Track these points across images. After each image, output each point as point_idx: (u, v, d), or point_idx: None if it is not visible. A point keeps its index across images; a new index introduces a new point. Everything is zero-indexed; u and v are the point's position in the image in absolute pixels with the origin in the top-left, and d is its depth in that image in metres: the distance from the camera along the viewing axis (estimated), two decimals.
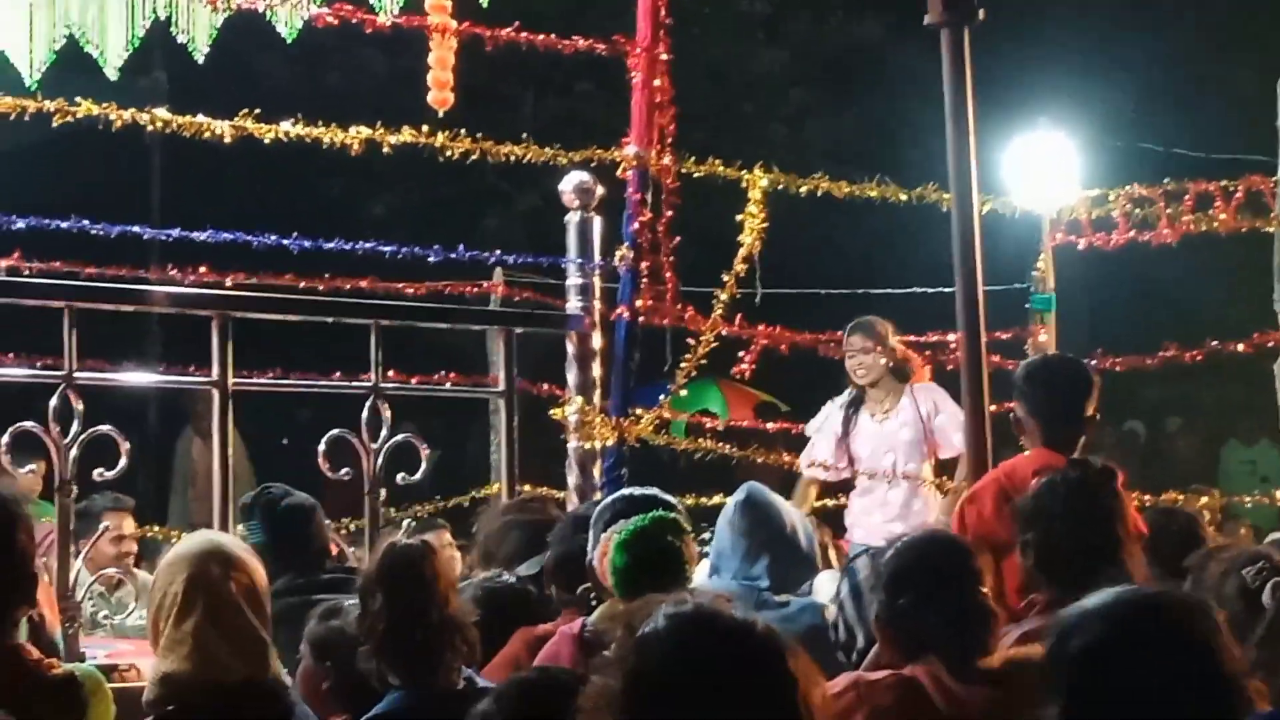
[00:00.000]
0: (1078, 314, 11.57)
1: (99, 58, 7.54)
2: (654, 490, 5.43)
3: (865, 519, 9.20)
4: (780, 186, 8.64)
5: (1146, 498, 8.71)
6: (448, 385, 8.99)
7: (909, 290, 10.46)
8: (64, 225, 7.21)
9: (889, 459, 9.10)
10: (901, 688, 4.18)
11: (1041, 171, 10.32)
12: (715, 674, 2.84)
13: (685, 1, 8.78)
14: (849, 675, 4.31)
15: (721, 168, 8.57)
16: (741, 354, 9.20)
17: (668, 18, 8.27)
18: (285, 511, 6.53)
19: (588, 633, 5.04)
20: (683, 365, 8.57)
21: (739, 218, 8.49)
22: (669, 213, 8.25)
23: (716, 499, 8.13)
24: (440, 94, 7.97)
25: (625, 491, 5.53)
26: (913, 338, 9.79)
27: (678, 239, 8.28)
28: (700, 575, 5.59)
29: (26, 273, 8.04)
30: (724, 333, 8.66)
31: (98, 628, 7.54)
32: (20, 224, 7.18)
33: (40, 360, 7.99)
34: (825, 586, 6.55)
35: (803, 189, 8.80)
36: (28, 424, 6.51)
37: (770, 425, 10.07)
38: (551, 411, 8.31)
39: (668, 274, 8.32)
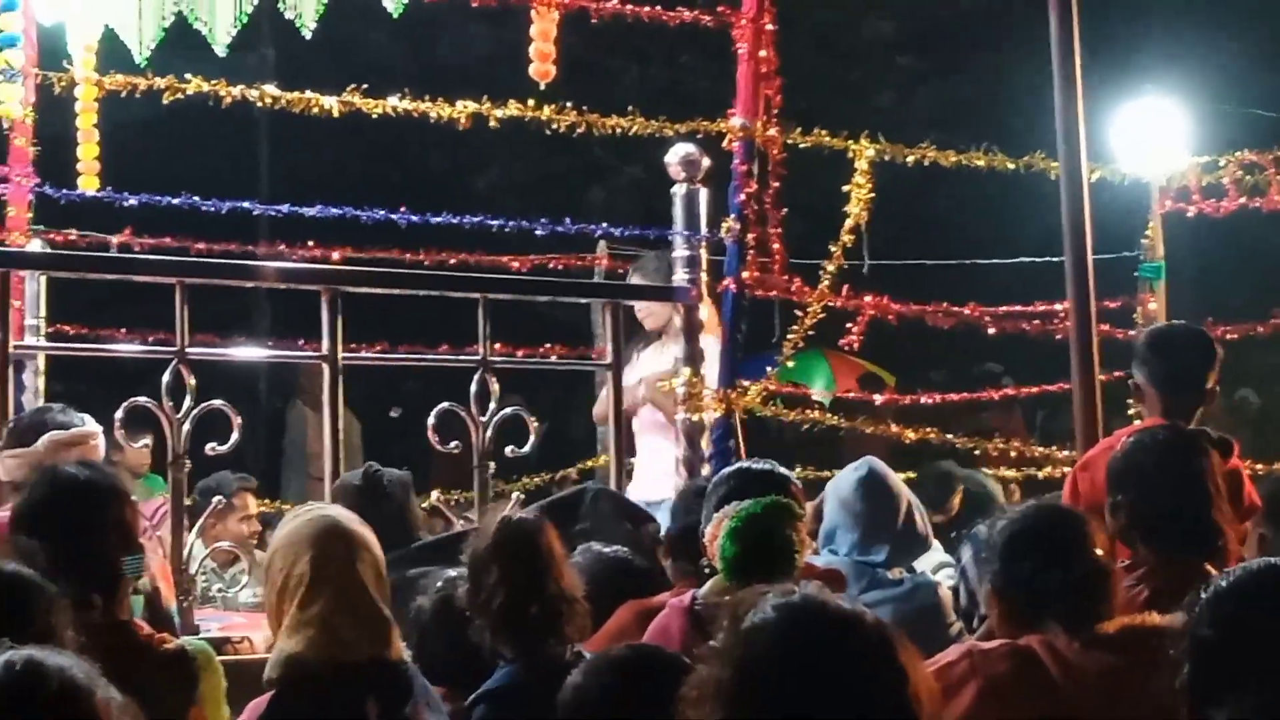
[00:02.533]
0: (1187, 281, 11.44)
1: (208, 35, 7.60)
2: (771, 464, 5.36)
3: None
4: (887, 156, 8.59)
5: (1259, 466, 8.64)
6: (554, 358, 9.01)
7: (1017, 260, 10.40)
8: (175, 202, 7.25)
9: (642, 390, 8.39)
10: (1016, 657, 4.15)
11: (1150, 138, 10.22)
12: (823, 666, 2.79)
13: None
14: (962, 645, 4.28)
15: (828, 138, 8.53)
16: (849, 325, 9.18)
17: None
18: (385, 490, 6.54)
19: (698, 606, 4.99)
20: (790, 336, 8.54)
21: (846, 188, 8.45)
22: (775, 184, 8.22)
23: (825, 472, 8.11)
24: (542, 66, 7.97)
25: (743, 464, 5.43)
26: (1020, 307, 9.73)
27: (784, 210, 8.25)
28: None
29: (138, 249, 8.13)
30: (831, 304, 8.63)
31: (209, 602, 7.61)
32: (132, 201, 7.22)
33: (152, 336, 8.09)
34: (929, 558, 6.54)
35: (910, 158, 8.74)
36: (141, 399, 6.56)
37: (878, 398, 10.05)
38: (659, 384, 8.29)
39: (775, 245, 8.28)
